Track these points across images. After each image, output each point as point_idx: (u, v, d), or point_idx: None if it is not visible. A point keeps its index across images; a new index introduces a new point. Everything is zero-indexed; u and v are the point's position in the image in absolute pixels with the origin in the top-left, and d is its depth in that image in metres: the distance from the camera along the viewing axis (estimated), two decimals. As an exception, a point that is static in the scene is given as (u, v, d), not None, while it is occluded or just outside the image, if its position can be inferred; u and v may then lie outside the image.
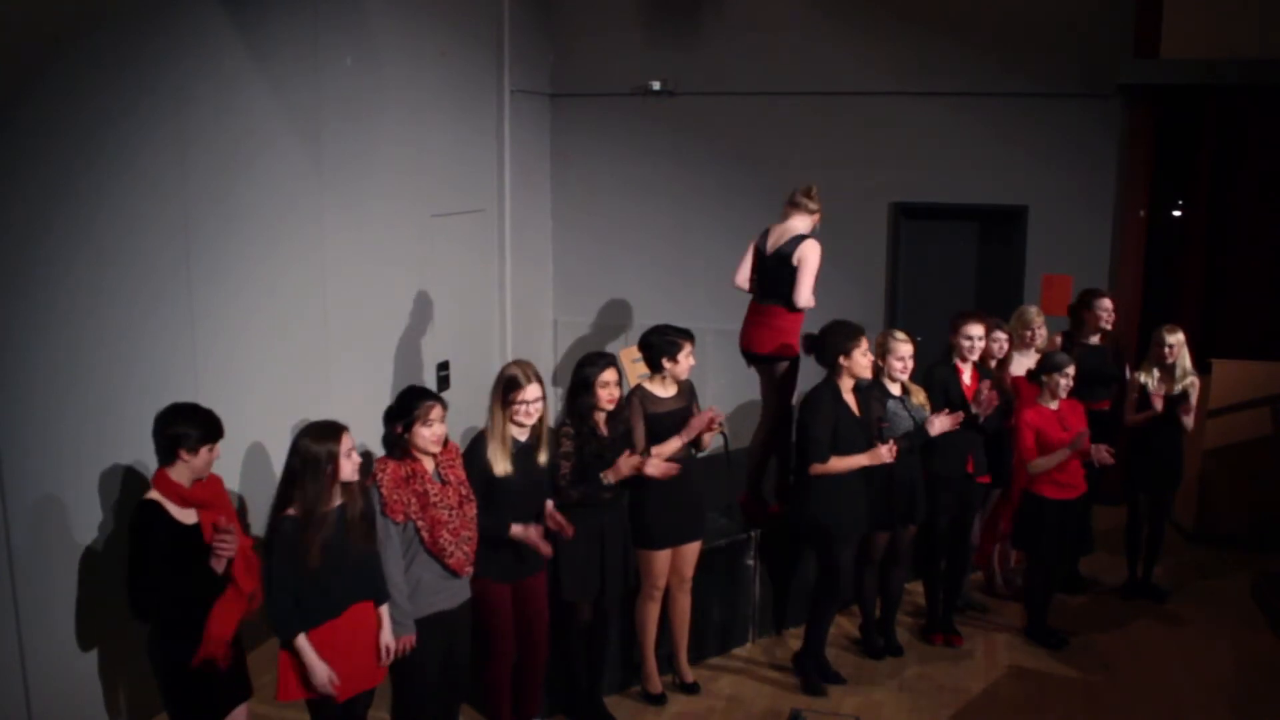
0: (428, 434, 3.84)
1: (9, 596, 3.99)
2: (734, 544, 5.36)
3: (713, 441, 4.81)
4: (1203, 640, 5.62)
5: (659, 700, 4.95)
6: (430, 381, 6.75)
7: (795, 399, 5.31)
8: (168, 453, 3.59)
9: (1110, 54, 7.02)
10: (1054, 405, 5.27)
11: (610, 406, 4.43)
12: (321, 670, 3.54)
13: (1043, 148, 7.26)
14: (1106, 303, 5.90)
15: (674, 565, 4.80)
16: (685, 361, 4.70)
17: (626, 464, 4.34)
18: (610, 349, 7.04)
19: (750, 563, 5.45)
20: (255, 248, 5.24)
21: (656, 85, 7.88)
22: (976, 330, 5.29)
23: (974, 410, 5.14)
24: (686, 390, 4.79)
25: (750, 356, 5.43)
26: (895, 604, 5.47)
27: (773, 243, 5.30)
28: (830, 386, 4.85)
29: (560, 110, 8.21)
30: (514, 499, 4.09)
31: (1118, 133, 7.16)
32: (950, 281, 7.68)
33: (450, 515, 3.87)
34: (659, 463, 4.43)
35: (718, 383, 7.59)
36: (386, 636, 3.76)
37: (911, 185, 7.57)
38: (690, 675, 5.10)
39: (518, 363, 4.20)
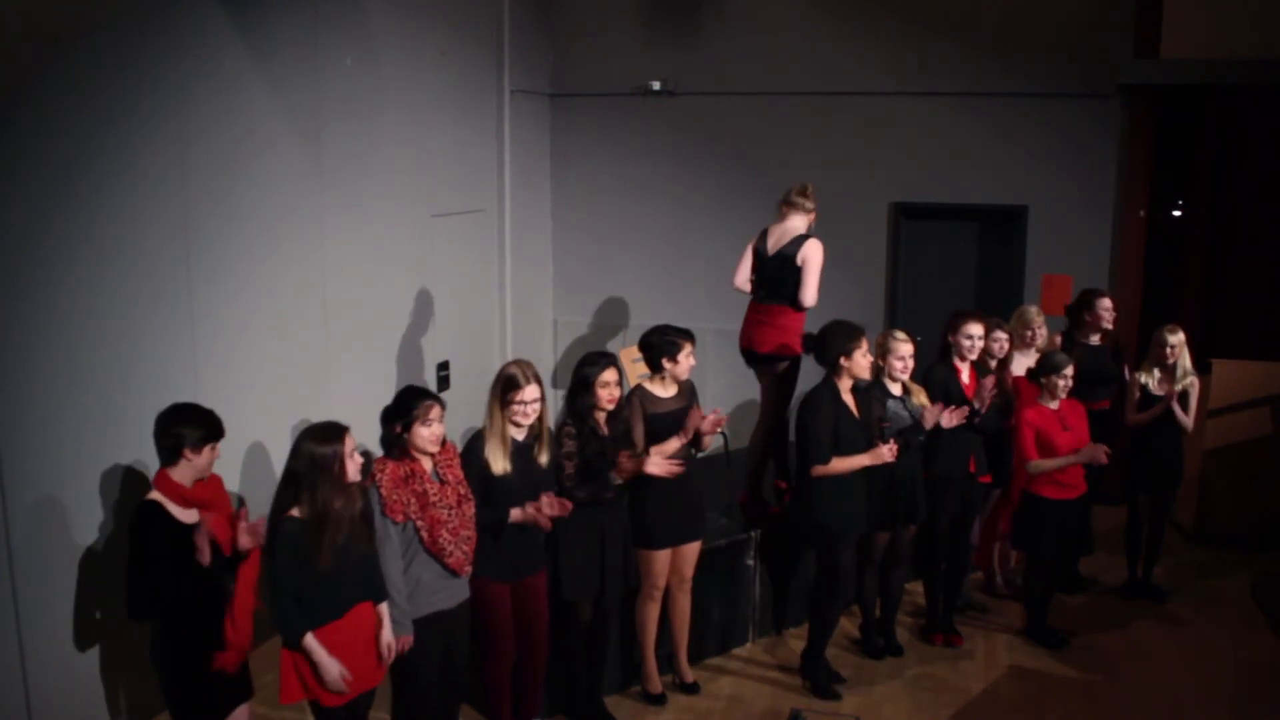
0: (427, 434, 3.84)
1: (9, 596, 3.99)
2: (734, 544, 5.36)
3: (712, 442, 4.81)
4: (1203, 640, 5.62)
5: (659, 700, 4.95)
6: (430, 381, 6.75)
7: (795, 399, 5.31)
8: (171, 453, 3.58)
9: (1110, 54, 7.02)
10: (1054, 405, 5.27)
11: (610, 406, 4.43)
12: (333, 667, 3.54)
13: (1043, 148, 7.26)
14: (1106, 302, 5.90)
15: (674, 565, 4.80)
16: (685, 362, 4.70)
17: (631, 463, 4.34)
18: (610, 349, 7.04)
19: (750, 563, 5.46)
20: (255, 248, 5.24)
21: (656, 85, 7.88)
22: (977, 330, 5.29)
23: (975, 406, 5.15)
24: (687, 390, 4.79)
25: (751, 356, 5.43)
26: (895, 604, 5.47)
27: (774, 243, 5.31)
28: (829, 387, 4.85)
29: (560, 110, 8.21)
30: (512, 498, 4.09)
31: (1118, 133, 7.16)
32: (950, 281, 7.68)
33: (449, 515, 3.87)
34: (660, 460, 4.43)
35: (718, 383, 7.59)
36: (388, 635, 3.76)
37: (911, 185, 7.57)
38: (690, 675, 5.11)
39: (517, 362, 4.20)
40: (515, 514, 4.08)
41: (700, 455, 4.83)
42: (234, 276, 5.10)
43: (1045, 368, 5.27)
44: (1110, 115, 7.15)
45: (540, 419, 4.19)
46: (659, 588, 4.80)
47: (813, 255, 5.19)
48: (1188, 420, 5.76)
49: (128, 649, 4.30)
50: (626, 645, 4.96)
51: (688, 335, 4.73)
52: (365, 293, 6.11)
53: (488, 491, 4.07)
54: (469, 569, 3.97)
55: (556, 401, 7.84)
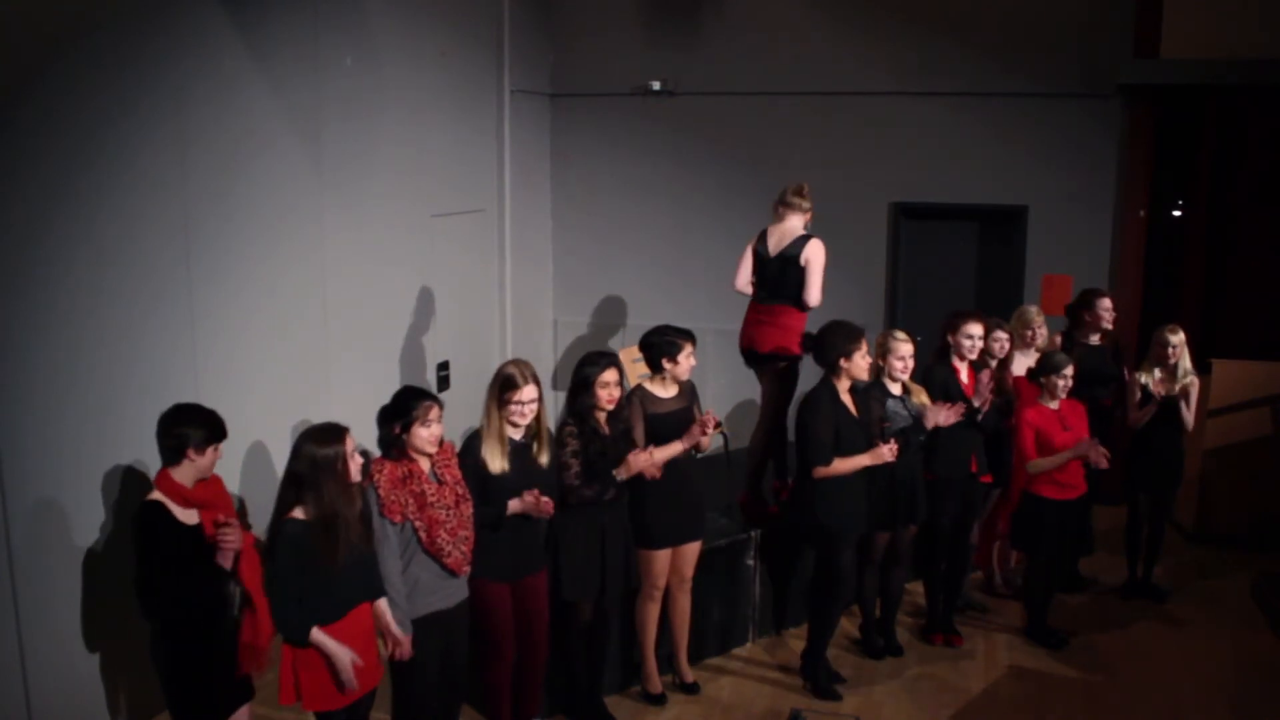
0: (426, 434, 3.84)
1: (9, 596, 3.99)
2: (734, 544, 5.36)
3: (712, 442, 4.81)
4: (1203, 640, 5.62)
5: (659, 700, 4.95)
6: (430, 381, 6.75)
7: (795, 399, 5.31)
8: (175, 453, 3.58)
9: (1110, 54, 7.02)
10: (1054, 405, 5.27)
11: (610, 407, 4.43)
12: (344, 655, 3.53)
13: (1043, 148, 7.26)
14: (1106, 302, 5.90)
15: (674, 565, 4.80)
16: (686, 362, 4.70)
17: (639, 460, 4.34)
18: (610, 349, 7.04)
19: (750, 563, 5.46)
20: (255, 248, 5.24)
21: (656, 85, 7.88)
22: (977, 329, 5.29)
23: (975, 404, 5.15)
24: (688, 391, 4.79)
25: (752, 356, 5.43)
26: (895, 604, 5.47)
27: (775, 245, 5.31)
28: (828, 388, 4.85)
29: (560, 110, 8.21)
30: (509, 497, 4.08)
31: (1118, 133, 7.16)
32: (950, 281, 7.68)
33: (447, 515, 3.87)
34: (645, 460, 4.38)
35: (718, 383, 7.60)
36: (392, 626, 3.75)
37: (911, 185, 7.57)
38: (690, 675, 5.10)
39: (515, 362, 4.19)
40: (514, 505, 4.06)
41: (700, 455, 4.82)
42: (234, 276, 5.10)
43: (1045, 368, 5.27)
44: (1110, 115, 7.15)
45: (538, 419, 4.19)
46: (659, 588, 4.80)
47: (816, 255, 5.21)
48: (1189, 416, 5.76)
49: (128, 649, 4.30)
50: (626, 645, 4.96)
51: (688, 335, 4.73)
52: (365, 293, 6.11)
53: (485, 491, 4.06)
54: (467, 569, 3.97)
55: (556, 402, 7.85)
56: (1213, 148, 7.26)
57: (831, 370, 4.85)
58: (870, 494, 4.94)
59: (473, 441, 4.15)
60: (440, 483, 3.91)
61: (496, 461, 4.09)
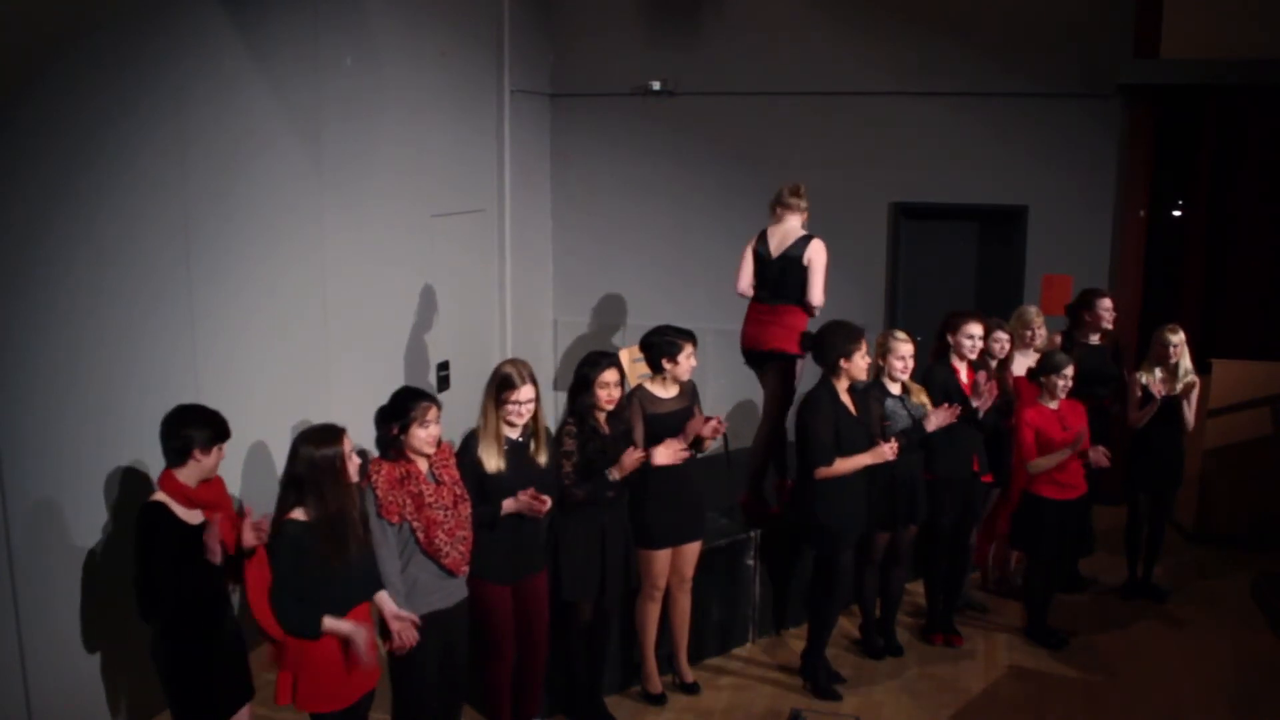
0: (424, 435, 3.83)
1: (9, 596, 3.99)
2: (734, 544, 5.36)
3: (713, 443, 4.81)
4: (1203, 640, 5.62)
5: (659, 700, 4.95)
6: (431, 382, 6.75)
7: (796, 399, 5.31)
8: (180, 454, 3.58)
9: (1110, 54, 7.02)
10: (1054, 405, 5.27)
11: (610, 407, 4.42)
12: (360, 634, 3.53)
13: (1043, 148, 7.26)
14: (1106, 302, 5.90)
15: (674, 565, 4.80)
16: (686, 362, 4.69)
17: (630, 459, 4.34)
18: (609, 348, 7.04)
19: (750, 563, 5.46)
20: (255, 248, 5.24)
21: (656, 85, 7.88)
22: (977, 330, 5.29)
23: (974, 404, 5.15)
24: (688, 391, 4.79)
25: (754, 355, 5.43)
26: (895, 604, 5.47)
27: (776, 245, 5.31)
28: (827, 388, 4.85)
29: (560, 110, 8.21)
30: (506, 496, 4.07)
31: (1118, 133, 7.16)
32: (950, 281, 7.68)
33: (445, 515, 3.86)
34: (665, 450, 4.40)
35: (718, 383, 7.60)
36: (396, 610, 3.74)
37: (911, 185, 7.57)
38: (690, 675, 5.10)
39: (513, 362, 4.19)
40: (508, 504, 4.06)
41: (701, 456, 4.83)
42: (234, 276, 5.10)
43: (1045, 368, 5.27)
44: (1110, 115, 7.15)
45: (535, 418, 4.18)
46: (659, 588, 4.80)
47: (818, 256, 5.23)
48: (1189, 416, 5.76)
49: (128, 649, 4.30)
50: (626, 645, 4.96)
51: (688, 336, 4.73)
52: (365, 293, 6.11)
53: (482, 490, 4.06)
54: (466, 569, 3.96)
55: (556, 402, 7.86)
56: (1213, 148, 7.25)
57: (831, 370, 4.85)
58: (870, 494, 4.94)
59: (470, 441, 4.15)
60: (438, 483, 3.91)
61: (493, 461, 4.08)
